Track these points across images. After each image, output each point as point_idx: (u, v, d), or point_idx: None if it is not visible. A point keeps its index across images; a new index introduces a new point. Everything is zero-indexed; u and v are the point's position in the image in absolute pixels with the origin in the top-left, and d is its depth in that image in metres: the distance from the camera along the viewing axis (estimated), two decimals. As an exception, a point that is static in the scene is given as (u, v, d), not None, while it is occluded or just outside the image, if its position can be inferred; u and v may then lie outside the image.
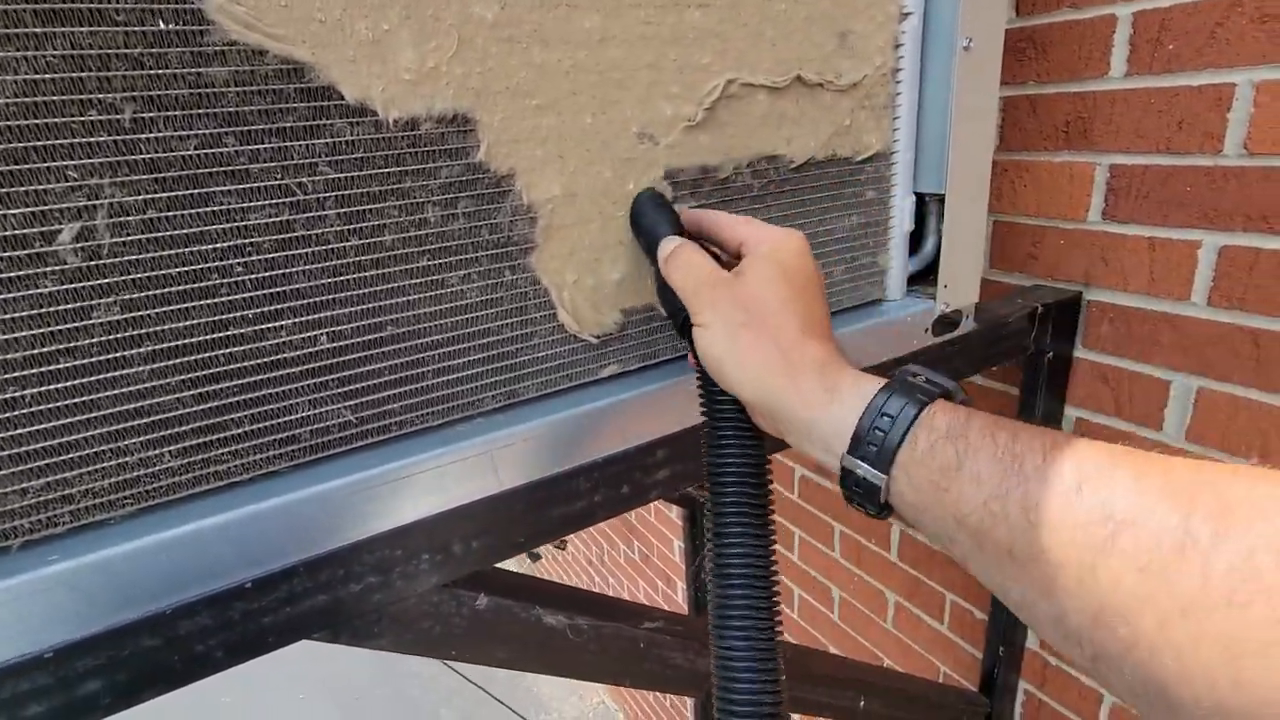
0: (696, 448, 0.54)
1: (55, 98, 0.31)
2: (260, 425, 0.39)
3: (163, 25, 0.32)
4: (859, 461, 0.34)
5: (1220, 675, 0.22)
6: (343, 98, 0.37)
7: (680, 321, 0.42)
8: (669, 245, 0.43)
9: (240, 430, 0.39)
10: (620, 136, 0.46)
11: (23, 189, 0.31)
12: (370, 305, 0.41)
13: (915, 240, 0.65)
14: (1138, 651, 0.24)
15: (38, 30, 0.30)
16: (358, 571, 0.42)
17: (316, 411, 0.41)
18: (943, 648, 1.12)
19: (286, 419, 0.40)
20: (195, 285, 0.36)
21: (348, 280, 0.40)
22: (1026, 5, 0.76)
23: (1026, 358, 0.79)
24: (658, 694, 2.53)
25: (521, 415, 0.47)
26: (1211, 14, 0.62)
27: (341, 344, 0.40)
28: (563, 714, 3.17)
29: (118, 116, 0.32)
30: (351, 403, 0.42)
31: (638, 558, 2.37)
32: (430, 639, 0.46)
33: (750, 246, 0.41)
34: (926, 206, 0.64)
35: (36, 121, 0.31)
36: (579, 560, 3.00)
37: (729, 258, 0.43)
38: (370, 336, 0.41)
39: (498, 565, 0.50)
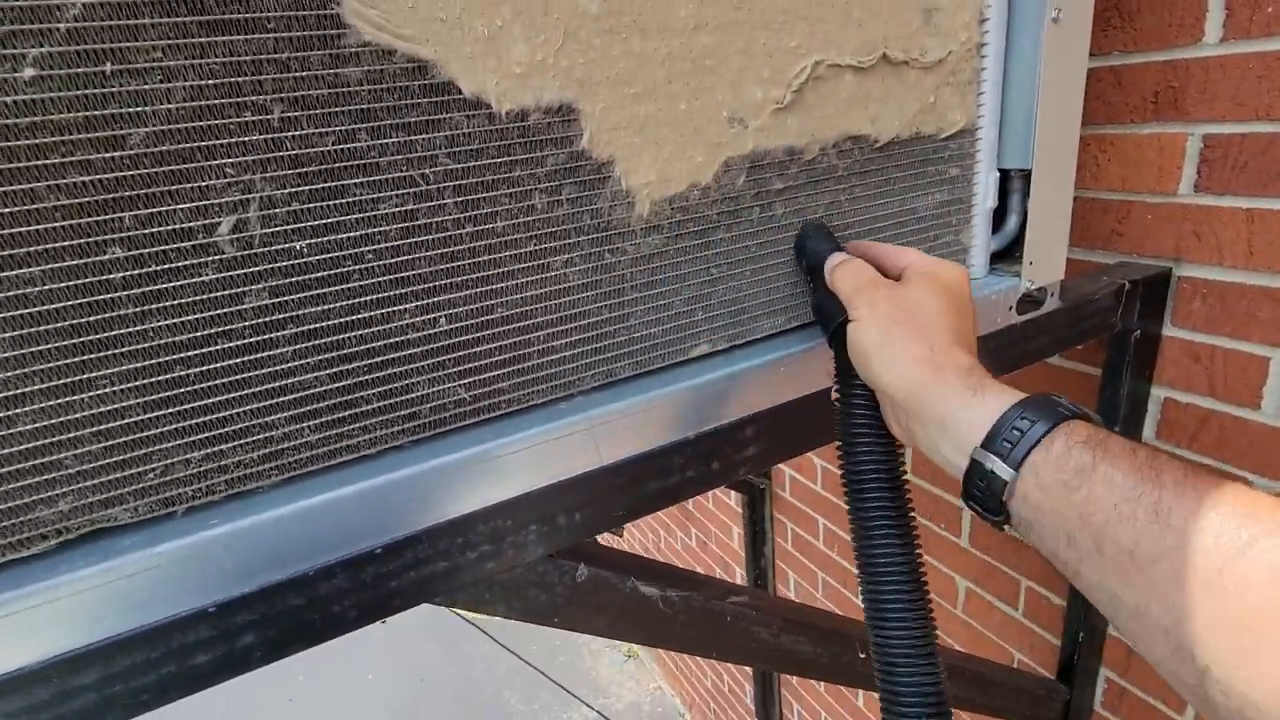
0: (783, 425, 0.55)
1: (217, 101, 0.34)
2: (386, 402, 0.42)
3: (307, 31, 0.35)
4: (991, 455, 0.35)
5: None
6: (460, 92, 0.39)
7: (834, 328, 0.45)
8: (838, 257, 0.47)
9: (369, 407, 0.42)
10: (712, 121, 0.48)
11: (189, 185, 0.34)
12: (483, 289, 0.43)
13: (998, 217, 0.64)
14: (1257, 663, 0.24)
15: (203, 40, 0.33)
16: (473, 540, 0.45)
17: (435, 389, 0.43)
18: (1017, 634, 1.11)
19: (409, 396, 0.43)
20: (332, 272, 0.39)
21: (463, 265, 0.42)
22: (1111, -27, 0.74)
23: (1112, 336, 0.78)
24: (715, 680, 2.55)
25: (619, 393, 0.49)
26: (1317, -27, 0.59)
27: (458, 325, 0.43)
28: (620, 697, 3.22)
29: (268, 116, 0.35)
30: (465, 381, 0.44)
31: (695, 544, 2.39)
32: (537, 607, 0.49)
33: (915, 268, 0.44)
34: (1010, 183, 0.63)
35: (202, 124, 0.34)
36: (634, 547, 3.04)
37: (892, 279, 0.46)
38: (483, 318, 0.44)
39: (595, 539, 0.52)
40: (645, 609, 0.54)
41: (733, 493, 1.91)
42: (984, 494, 0.36)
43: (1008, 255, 0.66)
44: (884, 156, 0.56)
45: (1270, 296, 0.68)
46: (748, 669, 2.13)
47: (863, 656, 0.70)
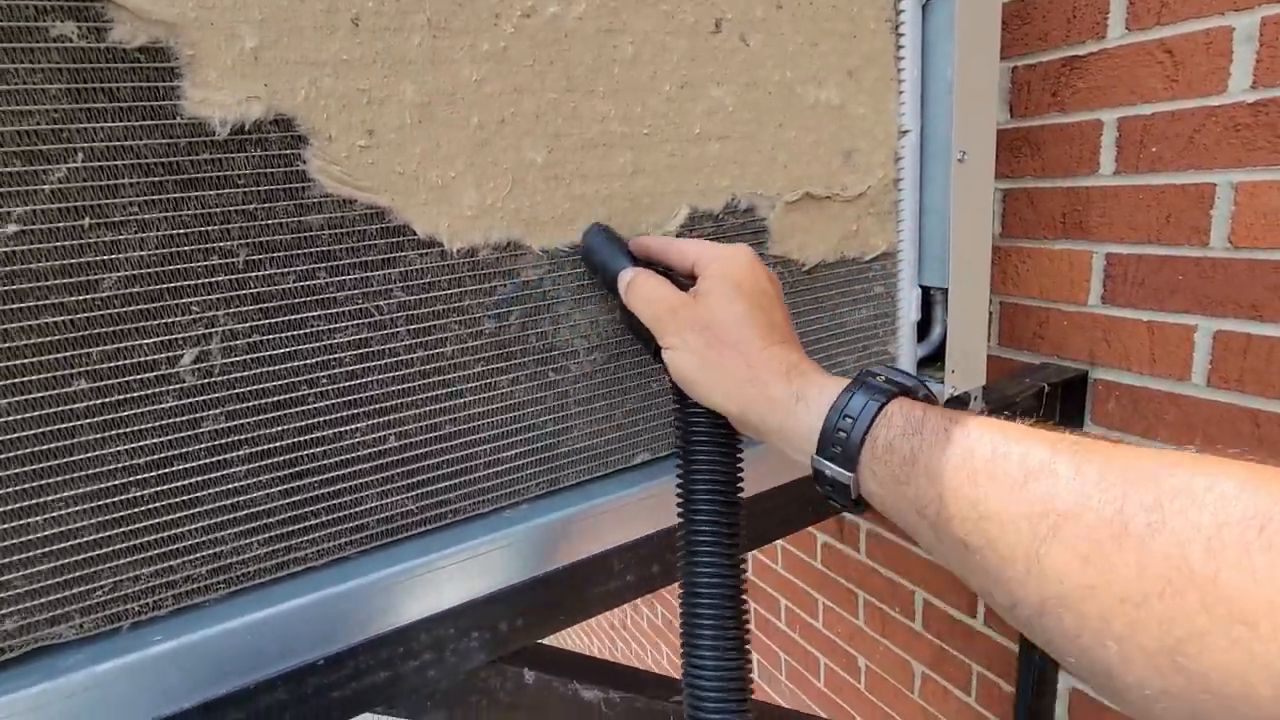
0: (648, 557, 0.57)
1: (186, 248, 0.37)
2: (335, 516, 0.44)
3: (274, 185, 0.39)
4: (827, 461, 0.35)
5: (1161, 661, 0.23)
6: (415, 234, 0.43)
7: (653, 348, 0.44)
8: (627, 276, 0.45)
9: (318, 520, 0.44)
10: (650, 251, 0.52)
11: (155, 322, 0.37)
12: (432, 407, 0.46)
13: (923, 328, 0.70)
14: (1083, 639, 0.25)
15: (176, 196, 0.37)
16: (415, 649, 0.46)
17: (383, 503, 0.46)
18: (972, 721, 1.11)
19: (357, 509, 0.45)
20: (287, 396, 0.41)
21: (414, 386, 0.45)
22: (1020, 107, 0.82)
23: (1037, 433, 0.82)
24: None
25: (562, 501, 0.52)
26: (1189, 121, 0.67)
27: (407, 442, 0.46)
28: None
29: (233, 260, 0.39)
30: (413, 494, 0.47)
31: (661, 623, 2.36)
32: (478, 713, 0.50)
33: (702, 266, 0.43)
34: (932, 297, 0.69)
35: (171, 267, 0.37)
36: (603, 625, 2.98)
37: (684, 279, 0.45)
38: (431, 434, 0.46)
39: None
40: (587, 714, 0.55)
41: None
42: (835, 494, 0.36)
43: (934, 361, 0.71)
44: (812, 278, 0.61)
45: (1173, 401, 0.73)
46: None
47: (807, 754, 0.70)
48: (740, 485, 0.43)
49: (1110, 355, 0.79)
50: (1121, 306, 0.76)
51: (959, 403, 0.72)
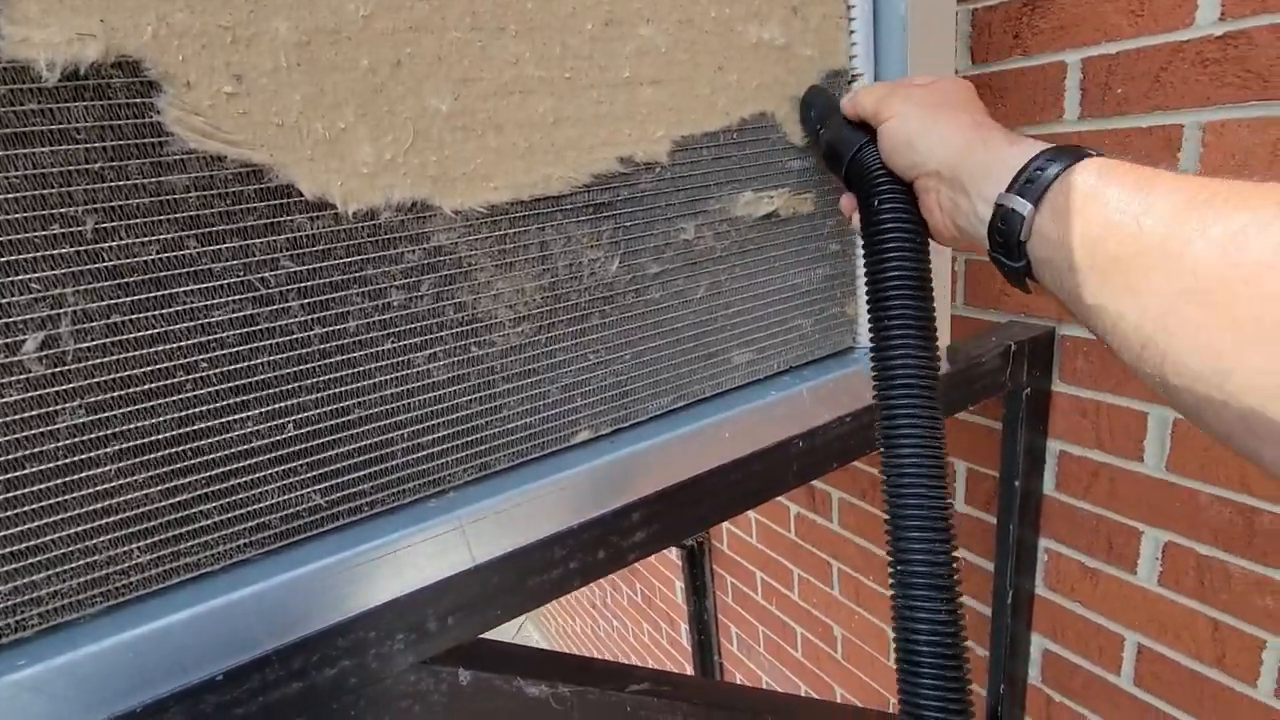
0: (673, 507, 0.54)
1: (18, 215, 0.32)
2: (230, 515, 0.40)
3: (123, 140, 0.33)
4: (1014, 196, 0.37)
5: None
6: (302, 195, 0.38)
7: (854, 152, 0.48)
8: (852, 92, 0.50)
9: (210, 521, 0.39)
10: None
11: (-13, 303, 0.32)
12: (336, 390, 0.41)
13: (883, 288, 0.66)
14: (1207, 332, 0.28)
15: (1, 154, 0.31)
16: (332, 655, 0.42)
17: (286, 498, 0.41)
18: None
19: (256, 507, 0.40)
20: (161, 384, 0.36)
21: (313, 368, 0.40)
22: (981, 52, 0.78)
23: (1006, 394, 0.80)
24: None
25: (495, 487, 0.48)
26: (1155, 59, 0.64)
27: (308, 430, 0.41)
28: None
29: (80, 228, 0.33)
30: (321, 486, 0.42)
31: (640, 600, 2.35)
32: (411, 719, 0.46)
33: (936, 76, 0.48)
34: (892, 254, 0.65)
35: (1, 239, 0.32)
36: (583, 603, 2.97)
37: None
38: (337, 420, 0.42)
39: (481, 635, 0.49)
40: (533, 712, 0.51)
41: (673, 547, 1.89)
42: (1005, 238, 0.38)
43: (896, 322, 0.68)
44: (762, 236, 0.57)
45: (1142, 356, 0.71)
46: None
47: (774, 735, 0.68)
48: (929, 280, 0.46)
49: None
50: (1088, 259, 0.73)
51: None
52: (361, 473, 0.43)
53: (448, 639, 0.46)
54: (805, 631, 1.45)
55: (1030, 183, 0.37)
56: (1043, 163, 0.37)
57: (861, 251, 0.48)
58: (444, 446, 0.46)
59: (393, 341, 0.43)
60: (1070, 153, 0.37)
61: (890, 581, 0.44)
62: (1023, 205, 0.37)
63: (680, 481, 0.54)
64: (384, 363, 0.43)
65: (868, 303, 0.47)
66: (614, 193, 0.49)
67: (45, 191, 0.32)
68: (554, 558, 0.49)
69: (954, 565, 0.43)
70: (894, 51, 0.57)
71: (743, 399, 0.58)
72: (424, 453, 0.45)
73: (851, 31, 0.57)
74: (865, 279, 0.48)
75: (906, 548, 0.43)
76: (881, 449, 0.45)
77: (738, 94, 0.52)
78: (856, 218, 0.50)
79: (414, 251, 0.42)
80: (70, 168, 0.33)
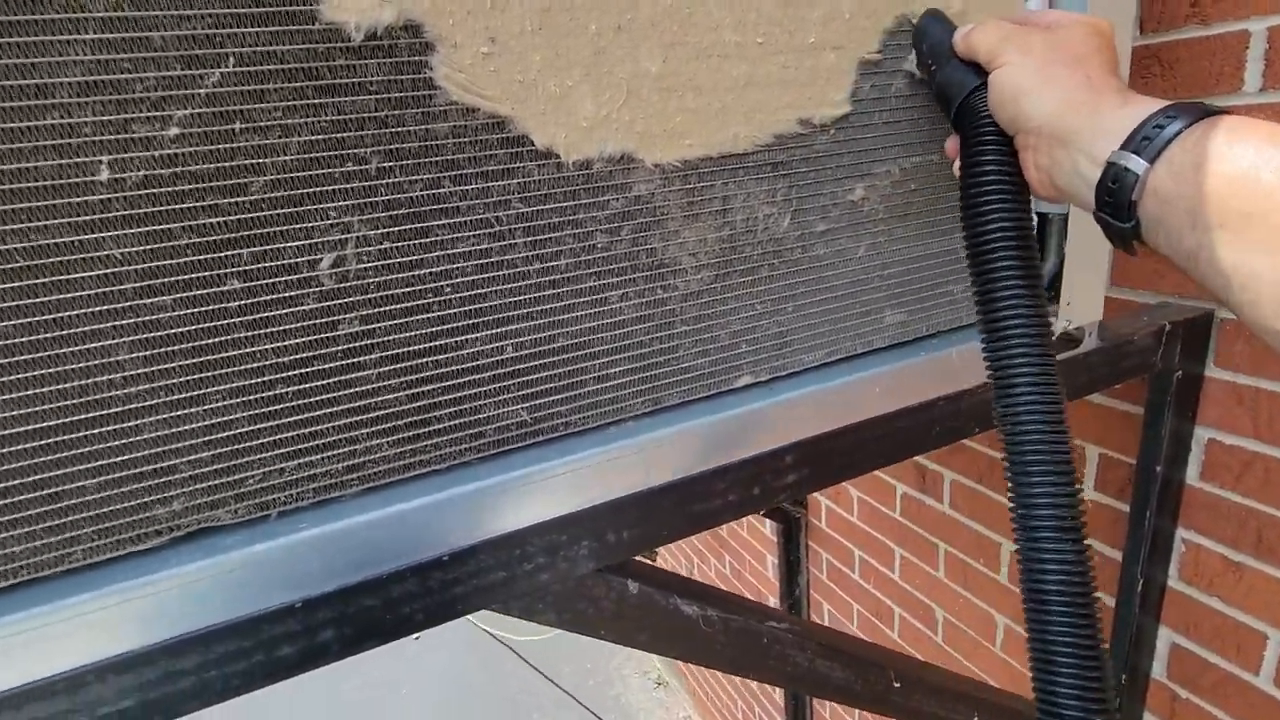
0: (822, 455, 0.57)
1: (324, 154, 0.39)
2: (456, 422, 0.46)
3: (404, 92, 0.40)
4: (1128, 154, 0.36)
5: None
6: (533, 144, 0.44)
7: (965, 96, 0.46)
8: (970, 25, 0.47)
9: (441, 425, 0.46)
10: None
11: (297, 226, 0.39)
12: (547, 320, 0.47)
13: (1036, 258, 0.66)
14: None
15: (315, 101, 0.38)
16: (529, 552, 0.48)
17: (500, 411, 0.47)
18: (1058, 674, 1.09)
19: (476, 417, 0.47)
20: (415, 303, 0.43)
21: (530, 299, 0.46)
22: (1151, 22, 0.75)
23: (1153, 376, 0.78)
24: (745, 711, 2.52)
25: (667, 420, 0.52)
26: (1357, 27, 0.61)
27: (523, 353, 0.47)
28: (649, 726, 3.19)
29: (365, 166, 0.40)
30: (527, 405, 0.48)
31: (729, 572, 2.39)
32: (584, 619, 0.52)
33: (1065, 17, 0.44)
34: (1049, 225, 0.65)
35: (311, 173, 0.39)
36: (675, 555, 3.04)
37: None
38: (546, 347, 0.47)
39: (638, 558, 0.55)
40: (686, 627, 0.56)
41: (768, 521, 1.91)
42: (1114, 197, 0.37)
43: (1047, 292, 0.68)
44: (925, 200, 0.58)
45: (1314, 340, 0.68)
46: (779, 701, 2.11)
47: (896, 685, 0.71)
48: (1032, 232, 0.45)
49: (1242, 292, 0.73)
50: (1259, 238, 0.70)
51: (1072, 340, 0.69)
52: (559, 395, 0.49)
53: (622, 551, 0.51)
54: (904, 612, 1.45)
55: (1147, 140, 0.35)
56: (1162, 120, 0.36)
57: (960, 203, 0.47)
58: (627, 379, 0.51)
59: (594, 280, 0.48)
60: (1192, 109, 0.35)
61: (1014, 529, 0.45)
62: (1137, 163, 0.36)
63: (830, 430, 0.57)
64: (585, 299, 0.48)
65: (967, 258, 0.46)
66: (790, 153, 0.52)
67: (345, 134, 0.39)
68: (716, 488, 0.53)
69: (1080, 507, 0.43)
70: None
71: (894, 357, 0.60)
72: (611, 383, 0.50)
73: (1027, 1, 0.57)
74: (963, 231, 0.46)
75: (1029, 491, 0.43)
76: (994, 395, 0.45)
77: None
78: (958, 165, 0.48)
79: (618, 200, 0.47)
80: (364, 114, 0.39)
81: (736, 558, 2.29)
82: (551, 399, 0.49)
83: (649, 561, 3.12)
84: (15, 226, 0.34)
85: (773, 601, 2.04)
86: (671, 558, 2.93)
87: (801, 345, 0.57)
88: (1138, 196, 0.36)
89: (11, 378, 0.35)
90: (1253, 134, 0.32)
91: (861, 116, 0.53)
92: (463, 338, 0.45)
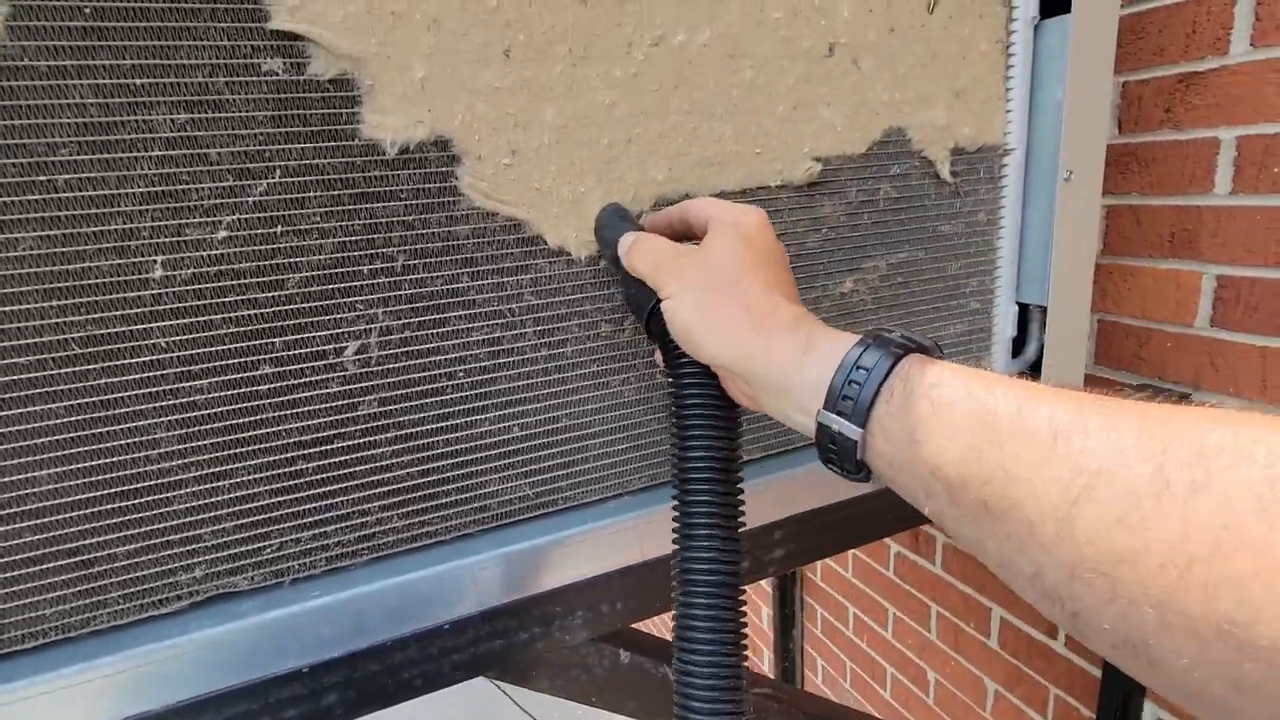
0: (811, 531, 0.60)
1: (355, 253, 0.43)
2: (463, 496, 0.49)
3: (430, 199, 0.44)
4: (835, 417, 0.33)
5: (1204, 629, 0.21)
6: (546, 243, 0.47)
7: (648, 312, 0.43)
8: (629, 238, 0.44)
9: (449, 499, 0.49)
10: (755, 263, 0.55)
11: (327, 317, 0.43)
12: (551, 402, 0.50)
13: (1018, 344, 0.70)
14: (1117, 604, 0.24)
15: (352, 207, 0.42)
16: (526, 622, 0.50)
17: (504, 486, 0.50)
18: (1046, 744, 1.09)
19: (482, 491, 0.50)
20: (429, 386, 0.46)
21: (537, 382, 0.49)
22: (1129, 123, 0.80)
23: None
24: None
25: (661, 495, 0.55)
26: (1317, 142, 0.65)
27: (528, 433, 0.50)
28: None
29: (392, 264, 0.44)
30: (530, 480, 0.51)
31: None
32: (578, 686, 0.54)
33: (713, 223, 0.41)
34: (1030, 313, 0.69)
35: (342, 270, 0.42)
36: (666, 620, 3.01)
37: (697, 242, 0.43)
38: (550, 427, 0.51)
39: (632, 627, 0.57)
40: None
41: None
42: (839, 455, 0.34)
43: (1029, 378, 0.71)
44: (908, 292, 0.62)
45: (1285, 431, 0.71)
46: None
47: (881, 757, 0.72)
48: (738, 459, 0.42)
49: (1217, 380, 0.76)
50: (1233, 330, 0.74)
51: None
52: (562, 472, 0.52)
53: (615, 621, 0.54)
54: (896, 672, 1.46)
55: (849, 399, 0.33)
56: (855, 373, 0.33)
57: (671, 414, 0.43)
58: (626, 456, 0.54)
59: (598, 365, 0.51)
60: (877, 349, 0.33)
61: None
62: (851, 430, 0.33)
63: (818, 507, 0.60)
64: (589, 382, 0.51)
65: (672, 480, 0.42)
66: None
67: (375, 236, 0.43)
68: (707, 563, 0.56)
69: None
70: (1048, 129, 0.62)
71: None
72: (610, 460, 0.53)
73: (1008, 111, 0.62)
74: (671, 449, 0.42)
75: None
76: (674, 636, 0.42)
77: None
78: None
79: (621, 292, 0.51)
80: (393, 219, 0.43)
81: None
82: (553, 475, 0.52)
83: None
84: (75, 319, 0.37)
85: (766, 655, 2.03)
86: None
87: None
88: (862, 456, 0.33)
89: (58, 454, 0.38)
90: (958, 405, 0.30)
91: (851, 217, 0.57)
92: (473, 418, 0.48)
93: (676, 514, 0.42)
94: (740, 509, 0.42)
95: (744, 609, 0.40)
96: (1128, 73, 0.79)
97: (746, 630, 0.41)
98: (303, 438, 0.44)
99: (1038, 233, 0.65)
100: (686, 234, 0.45)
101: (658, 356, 0.44)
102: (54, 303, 0.37)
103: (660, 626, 3.04)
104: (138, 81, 0.36)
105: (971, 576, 1.19)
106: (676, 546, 0.41)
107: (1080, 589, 0.25)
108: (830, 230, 0.57)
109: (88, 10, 0.35)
